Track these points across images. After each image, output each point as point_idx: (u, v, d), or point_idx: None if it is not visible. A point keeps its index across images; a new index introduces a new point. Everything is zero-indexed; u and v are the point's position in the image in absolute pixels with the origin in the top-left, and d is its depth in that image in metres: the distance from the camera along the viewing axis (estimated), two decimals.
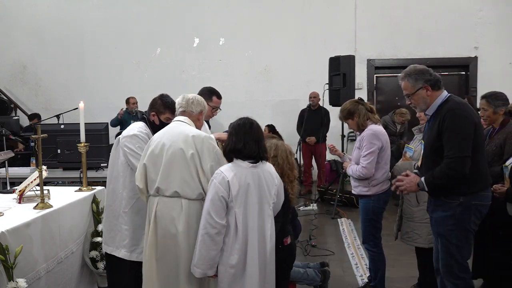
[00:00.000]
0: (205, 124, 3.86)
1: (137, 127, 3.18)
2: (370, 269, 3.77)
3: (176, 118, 2.92)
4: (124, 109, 7.95)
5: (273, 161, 2.83)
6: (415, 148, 3.53)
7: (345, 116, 3.60)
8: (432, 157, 2.75)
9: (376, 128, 3.53)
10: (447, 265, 2.76)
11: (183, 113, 2.89)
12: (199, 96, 3.00)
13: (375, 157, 3.46)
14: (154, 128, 3.22)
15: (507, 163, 3.09)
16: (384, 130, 3.63)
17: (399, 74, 2.89)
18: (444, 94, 2.77)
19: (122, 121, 7.86)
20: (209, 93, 3.62)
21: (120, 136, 3.21)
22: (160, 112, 3.20)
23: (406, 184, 2.80)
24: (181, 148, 2.69)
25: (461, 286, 2.74)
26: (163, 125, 3.23)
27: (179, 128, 2.81)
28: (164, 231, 2.71)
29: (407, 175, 2.84)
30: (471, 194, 2.66)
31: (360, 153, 3.51)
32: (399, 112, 6.99)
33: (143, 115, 3.31)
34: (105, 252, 3.29)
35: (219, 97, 3.63)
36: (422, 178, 2.74)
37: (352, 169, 3.57)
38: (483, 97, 3.55)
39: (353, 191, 3.74)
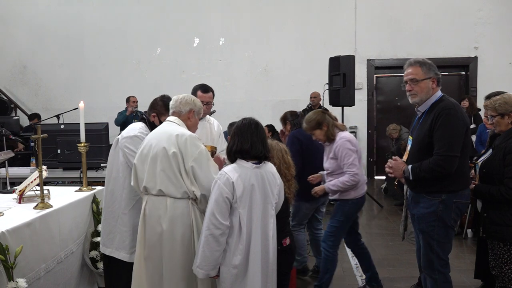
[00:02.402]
0: (215, 123, 3.80)
1: (137, 128, 3.15)
2: (322, 270, 3.68)
3: (167, 119, 2.93)
4: (132, 108, 7.86)
5: None
6: None
7: (313, 127, 3.56)
8: (420, 153, 2.80)
9: (347, 135, 3.54)
10: (428, 260, 2.84)
11: (173, 114, 2.90)
12: (190, 96, 2.97)
13: (357, 162, 3.48)
14: (154, 129, 3.21)
15: (479, 160, 3.12)
16: (353, 136, 3.61)
17: (410, 60, 2.89)
18: (439, 93, 2.83)
19: (126, 120, 7.79)
20: (195, 89, 3.61)
21: (119, 136, 3.18)
22: (161, 113, 3.18)
23: (393, 169, 2.92)
24: (164, 147, 2.69)
25: (439, 281, 2.81)
26: None
27: (166, 127, 2.82)
28: (151, 230, 2.73)
29: (395, 160, 2.94)
30: (452, 192, 2.74)
31: (340, 163, 3.47)
32: (389, 129, 7.08)
33: (143, 115, 3.27)
34: (103, 254, 3.27)
35: (204, 91, 3.58)
36: (409, 166, 2.82)
37: (335, 184, 3.48)
38: (487, 97, 3.56)
39: (330, 197, 3.65)
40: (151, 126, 3.20)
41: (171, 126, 2.81)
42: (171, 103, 2.92)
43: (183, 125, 2.85)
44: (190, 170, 2.66)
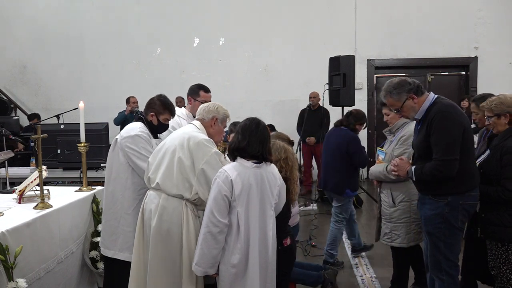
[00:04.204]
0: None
1: (137, 128, 3.14)
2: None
3: (192, 121, 2.97)
4: (131, 108, 7.87)
5: (284, 163, 2.86)
6: (386, 150, 3.53)
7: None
8: (420, 160, 2.81)
9: None
10: (436, 261, 2.83)
11: (197, 119, 2.93)
12: (215, 104, 2.97)
13: None
14: (152, 128, 3.21)
15: (477, 161, 3.12)
16: None
17: (381, 93, 2.94)
18: (431, 96, 2.82)
19: (125, 120, 7.78)
20: (197, 89, 3.63)
21: (117, 137, 3.16)
22: (160, 112, 3.19)
23: (398, 167, 2.95)
24: (175, 145, 2.73)
25: (447, 282, 2.80)
26: (161, 125, 3.22)
27: (185, 129, 2.86)
28: (147, 224, 2.78)
29: (401, 159, 2.97)
30: (458, 194, 2.73)
31: None
32: None
33: (140, 115, 3.25)
34: (104, 257, 3.25)
35: (206, 91, 3.63)
36: (412, 168, 2.83)
37: None
38: (472, 100, 3.61)
39: None
40: (150, 125, 3.20)
41: (190, 129, 2.85)
42: (197, 111, 2.96)
43: (203, 130, 2.86)
44: (201, 172, 2.68)
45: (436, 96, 2.82)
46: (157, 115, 3.19)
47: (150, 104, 3.23)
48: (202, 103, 3.58)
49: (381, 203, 3.58)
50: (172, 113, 3.26)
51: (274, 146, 2.94)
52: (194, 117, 3.67)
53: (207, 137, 2.79)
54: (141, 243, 2.82)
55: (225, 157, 2.84)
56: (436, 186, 2.75)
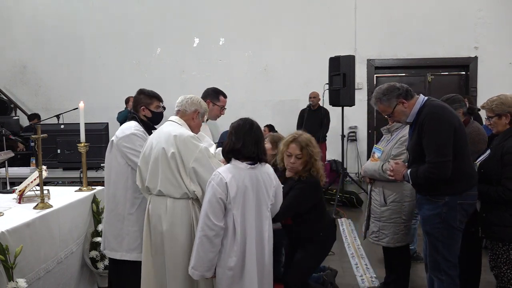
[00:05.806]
0: (207, 128, 3.83)
1: (132, 127, 3.13)
2: None
3: (169, 118, 2.93)
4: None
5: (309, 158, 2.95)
6: (384, 149, 3.52)
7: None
8: (414, 163, 2.82)
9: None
10: (434, 261, 2.84)
11: (177, 113, 2.91)
12: (197, 97, 2.99)
13: None
14: (150, 121, 3.23)
15: (477, 161, 3.12)
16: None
17: (371, 100, 2.97)
18: (421, 99, 2.83)
19: (126, 119, 7.74)
20: (216, 93, 3.65)
21: (113, 138, 3.15)
22: (148, 103, 3.20)
23: (394, 172, 2.96)
24: (163, 148, 2.70)
25: (446, 282, 2.81)
26: (156, 115, 3.23)
27: (166, 127, 2.82)
28: (154, 229, 2.76)
29: (397, 163, 2.98)
30: (456, 194, 2.73)
31: None
32: None
33: (133, 115, 3.24)
34: (111, 259, 3.21)
35: (225, 96, 3.69)
36: (408, 171, 2.84)
37: None
38: None
39: None
40: (143, 123, 3.21)
41: (172, 126, 2.81)
42: (177, 101, 2.94)
43: (185, 125, 2.85)
44: (192, 170, 2.67)
45: (427, 98, 2.83)
46: (147, 107, 3.20)
47: (136, 101, 3.24)
48: (221, 108, 3.63)
49: (371, 201, 3.57)
50: (159, 99, 3.27)
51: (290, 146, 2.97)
52: (206, 120, 3.67)
53: (192, 133, 2.78)
54: (149, 248, 2.81)
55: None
56: (433, 186, 2.75)
